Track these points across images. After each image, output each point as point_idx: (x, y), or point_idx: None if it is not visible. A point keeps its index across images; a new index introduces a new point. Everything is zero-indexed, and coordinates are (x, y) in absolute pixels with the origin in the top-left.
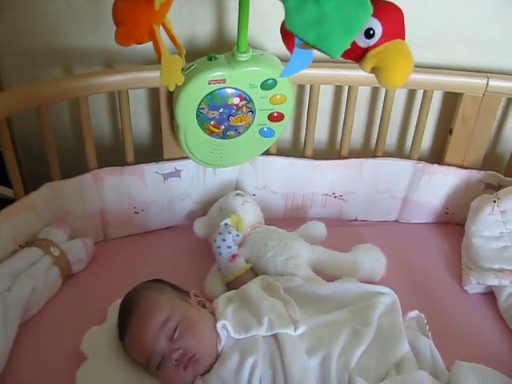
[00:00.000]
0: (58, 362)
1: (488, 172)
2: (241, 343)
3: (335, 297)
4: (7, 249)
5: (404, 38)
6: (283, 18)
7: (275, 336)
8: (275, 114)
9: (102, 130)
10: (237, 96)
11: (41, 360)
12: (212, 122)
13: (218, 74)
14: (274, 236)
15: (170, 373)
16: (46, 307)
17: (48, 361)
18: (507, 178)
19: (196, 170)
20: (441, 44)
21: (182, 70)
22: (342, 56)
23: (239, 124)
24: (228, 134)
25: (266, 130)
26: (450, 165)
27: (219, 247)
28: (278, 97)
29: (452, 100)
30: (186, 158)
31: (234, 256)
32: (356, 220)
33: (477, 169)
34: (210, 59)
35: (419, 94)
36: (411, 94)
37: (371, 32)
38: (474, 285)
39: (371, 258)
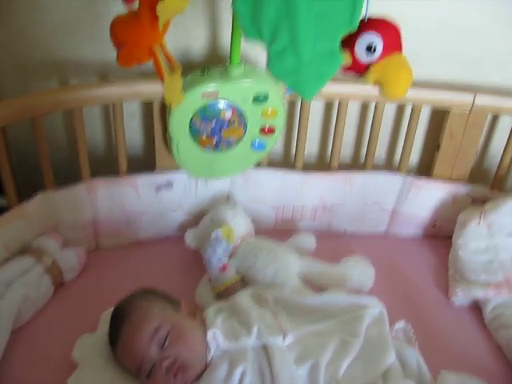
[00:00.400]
0: (50, 369)
1: (475, 186)
2: (230, 352)
3: (324, 307)
4: None
5: (401, 51)
6: None
7: (264, 345)
8: (267, 128)
9: (96, 141)
10: (229, 109)
11: (32, 367)
12: (204, 135)
13: (210, 87)
14: (264, 247)
15: (160, 380)
16: (37, 315)
17: (39, 368)
18: (493, 192)
19: (188, 182)
20: (428, 60)
21: None
22: (345, 70)
23: (231, 137)
24: (220, 146)
25: (257, 143)
26: (437, 178)
27: (210, 258)
28: (270, 111)
29: (440, 116)
30: (179, 169)
31: (224, 267)
32: (345, 232)
33: (464, 182)
34: (203, 73)
35: (408, 109)
36: (400, 109)
37: (373, 47)
38: (460, 297)
39: (360, 270)
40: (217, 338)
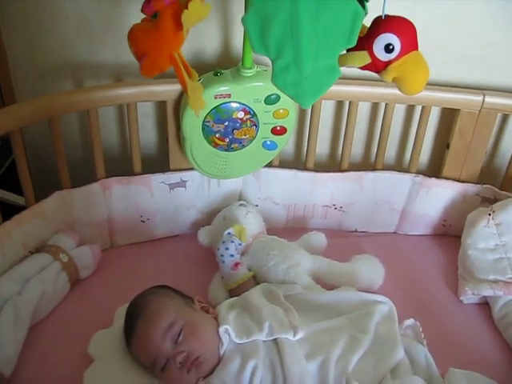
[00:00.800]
0: (66, 364)
1: (484, 186)
2: (242, 347)
3: (334, 304)
4: (17, 254)
5: (418, 49)
6: None
7: (275, 341)
8: (278, 128)
9: (111, 141)
10: (241, 110)
11: (49, 362)
12: (217, 135)
13: (223, 88)
14: (276, 245)
15: (174, 375)
16: (54, 311)
17: (56, 362)
18: (502, 192)
19: (201, 181)
20: (438, 61)
21: None
22: (362, 68)
23: (243, 137)
24: (232, 146)
25: (269, 142)
26: (447, 178)
27: (222, 255)
28: (281, 111)
29: (449, 115)
30: (192, 169)
31: (236, 264)
32: (356, 231)
33: (473, 182)
34: (216, 74)
35: (418, 109)
36: (410, 109)
37: (391, 47)
38: (470, 295)
39: (370, 268)
40: (229, 333)
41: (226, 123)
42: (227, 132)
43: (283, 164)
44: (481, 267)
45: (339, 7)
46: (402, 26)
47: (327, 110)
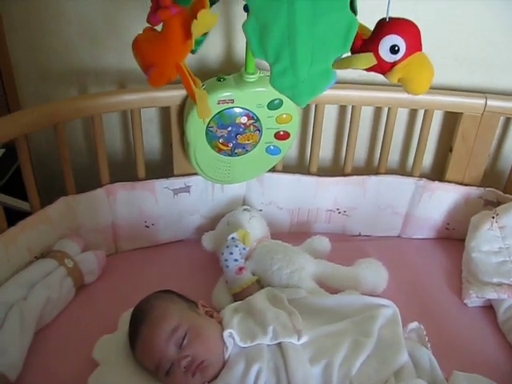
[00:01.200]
0: (71, 369)
1: (487, 189)
2: (246, 351)
3: (338, 308)
4: (23, 260)
5: (422, 50)
6: None
7: (279, 345)
8: (281, 133)
9: (115, 147)
10: (244, 115)
11: (54, 366)
12: (220, 140)
13: (226, 94)
14: (280, 250)
15: (179, 379)
16: (59, 316)
17: (61, 367)
18: (506, 195)
19: (205, 186)
20: (438, 62)
21: None
22: (367, 69)
23: (247, 142)
24: (236, 151)
25: (272, 147)
26: (450, 182)
27: (226, 260)
28: (284, 116)
29: (452, 119)
30: (196, 174)
31: (240, 269)
32: (359, 235)
33: (476, 186)
34: (219, 80)
35: (420, 113)
36: (413, 113)
37: (396, 48)
38: (474, 298)
39: (373, 272)
40: (233, 337)
41: (230, 128)
42: (231, 137)
43: (286, 169)
44: (485, 270)
45: (334, 17)
46: (406, 28)
47: (330, 114)
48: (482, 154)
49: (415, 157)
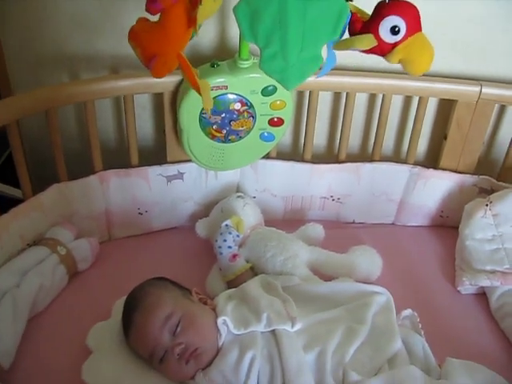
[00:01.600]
0: (65, 356)
1: (481, 177)
2: (240, 338)
3: (331, 296)
4: (15, 247)
5: (421, 31)
6: None
7: (273, 332)
8: (275, 119)
9: (108, 133)
10: (238, 102)
11: (47, 354)
12: (214, 127)
13: (220, 80)
14: (274, 237)
15: (173, 366)
16: (52, 304)
17: (54, 355)
18: (500, 183)
19: (198, 173)
20: (434, 51)
21: None
22: (367, 51)
23: (240, 128)
24: (229, 138)
25: (266, 134)
26: (444, 169)
27: (220, 247)
28: (278, 102)
29: (447, 106)
30: (189, 161)
31: (234, 256)
32: (353, 222)
33: (471, 173)
34: (213, 66)
35: (415, 100)
36: (407, 100)
37: (397, 29)
38: (467, 286)
39: (367, 259)
40: (227, 324)
41: (223, 115)
42: (224, 123)
43: (281, 156)
44: (478, 258)
45: (326, 3)
46: (406, 9)
47: (324, 101)
48: (476, 141)
49: (409, 144)
